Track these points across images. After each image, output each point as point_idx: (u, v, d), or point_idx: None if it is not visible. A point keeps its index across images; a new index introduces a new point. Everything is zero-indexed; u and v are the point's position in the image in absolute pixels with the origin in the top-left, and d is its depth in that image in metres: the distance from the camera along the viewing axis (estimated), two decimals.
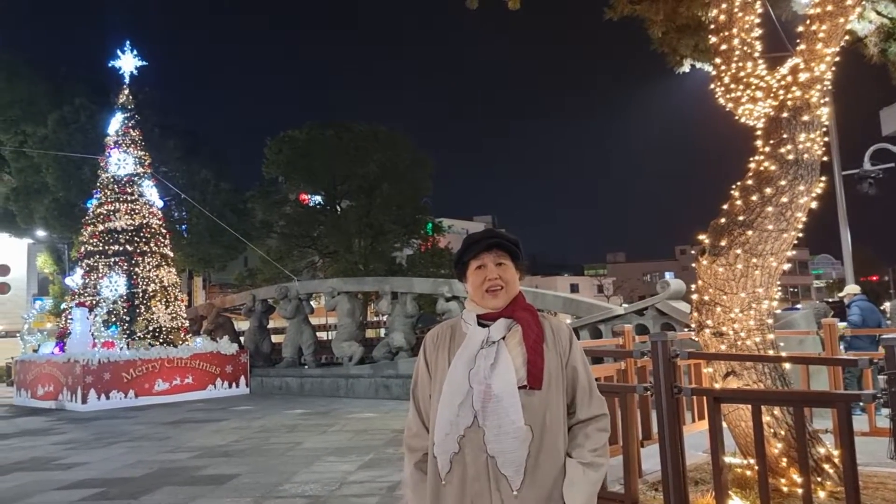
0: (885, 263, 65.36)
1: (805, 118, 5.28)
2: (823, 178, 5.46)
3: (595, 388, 2.24)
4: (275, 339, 20.08)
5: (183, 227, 28.66)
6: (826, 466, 4.95)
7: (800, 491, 4.37)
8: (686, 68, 8.60)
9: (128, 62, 19.58)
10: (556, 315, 17.09)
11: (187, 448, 9.22)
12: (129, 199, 18.45)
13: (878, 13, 7.28)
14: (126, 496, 6.44)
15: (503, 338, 2.15)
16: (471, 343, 2.17)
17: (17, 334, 21.91)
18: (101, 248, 17.95)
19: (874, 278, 62.75)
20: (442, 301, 14.82)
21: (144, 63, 19.69)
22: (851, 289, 10.40)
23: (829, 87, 5.58)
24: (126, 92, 19.32)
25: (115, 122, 19.17)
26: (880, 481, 5.11)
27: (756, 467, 4.94)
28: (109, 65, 19.69)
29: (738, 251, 5.22)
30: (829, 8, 5.13)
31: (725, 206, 5.46)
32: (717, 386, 5.20)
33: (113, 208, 18.27)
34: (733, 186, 5.51)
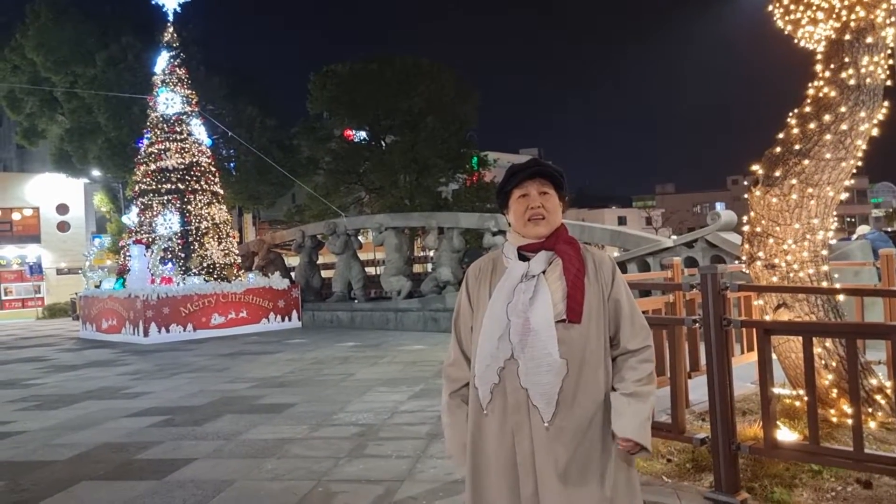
0: None
1: (869, 40, 5.03)
2: (886, 104, 5.23)
3: (639, 318, 2.23)
4: (324, 274, 20.50)
5: (231, 164, 29.06)
6: (878, 398, 4.92)
7: (849, 421, 4.37)
8: None
9: None
10: (604, 248, 17.00)
11: (245, 379, 9.61)
12: (178, 138, 18.73)
13: None
14: (191, 423, 6.79)
15: (543, 272, 2.15)
16: (510, 277, 2.18)
17: (80, 271, 22.82)
18: (154, 187, 18.39)
19: None
20: (488, 235, 14.85)
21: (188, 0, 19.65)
22: (862, 229, 10.42)
23: None
24: (171, 30, 19.39)
25: (162, 61, 19.32)
26: None
27: (805, 398, 4.95)
28: (153, 2, 19.72)
29: (794, 181, 5.09)
30: None
31: (781, 135, 5.30)
32: (768, 318, 5.17)
33: (163, 147, 18.60)
34: (790, 114, 5.32)
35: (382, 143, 31.33)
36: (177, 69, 19.18)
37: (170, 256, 17.76)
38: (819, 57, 5.36)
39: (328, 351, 12.37)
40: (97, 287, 19.02)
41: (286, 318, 18.10)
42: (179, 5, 19.52)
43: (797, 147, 5.12)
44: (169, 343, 15.39)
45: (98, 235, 33.31)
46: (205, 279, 17.64)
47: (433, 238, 16.18)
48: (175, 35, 19.41)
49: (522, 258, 2.20)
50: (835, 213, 5.34)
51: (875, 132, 5.18)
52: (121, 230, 26.65)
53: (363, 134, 32.70)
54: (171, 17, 19.46)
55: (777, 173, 5.17)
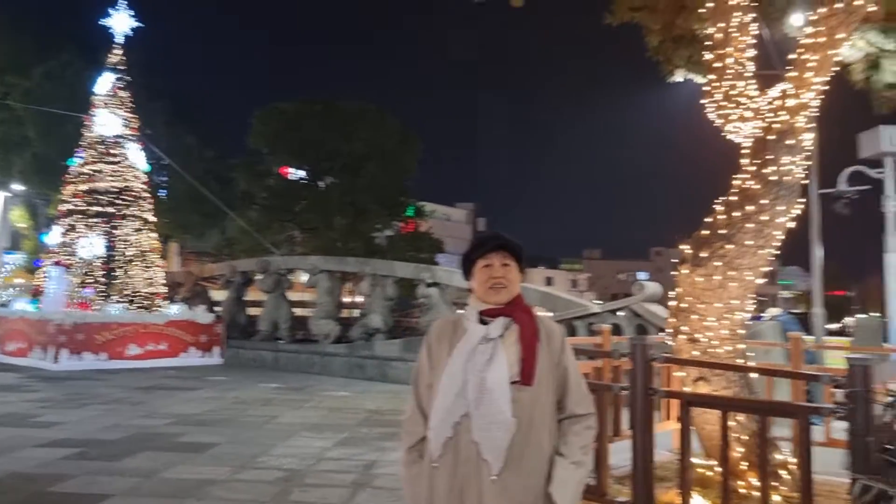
0: (850, 280, 66.76)
1: (790, 142, 5.53)
2: (802, 200, 5.72)
3: (584, 385, 2.42)
4: (251, 311, 20.15)
5: (161, 191, 28.43)
6: (782, 472, 5.25)
7: (756, 494, 4.66)
8: (679, 78, 8.82)
9: (120, 22, 19.34)
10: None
11: (163, 414, 9.33)
12: (113, 160, 18.34)
13: (867, 42, 7.55)
14: (106, 458, 6.57)
15: (501, 336, 2.32)
16: (471, 338, 2.33)
17: None
18: (81, 208, 17.86)
19: (839, 293, 64.02)
20: (423, 286, 15.00)
21: (139, 24, 19.46)
22: (772, 311, 11.26)
23: (815, 114, 5.84)
24: (117, 52, 19.12)
25: (104, 82, 18.98)
26: (831, 490, 5.41)
27: (718, 468, 5.23)
28: (100, 23, 19.46)
29: (718, 263, 5.47)
30: (822, 40, 5.37)
31: (709, 219, 5.70)
32: (688, 389, 5.47)
33: (97, 169, 18.18)
34: (717, 200, 5.75)
35: (321, 183, 31.35)
36: (119, 91, 18.89)
37: (90, 281, 17.16)
38: (745, 151, 5.84)
39: (250, 391, 12.13)
40: (4, 306, 18.15)
41: (207, 354, 17.62)
42: (131, 29, 19.31)
43: (722, 232, 5.53)
44: (80, 371, 14.74)
45: (11, 251, 31.78)
46: (125, 307, 17.09)
47: (367, 284, 16.22)
48: (122, 58, 19.14)
49: (482, 322, 2.37)
50: (752, 295, 5.75)
51: (791, 225, 5.65)
52: (37, 249, 25.57)
53: (301, 173, 32.66)
54: (119, 40, 19.21)
55: (703, 254, 5.55)
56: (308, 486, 5.74)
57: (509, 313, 2.37)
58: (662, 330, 10.00)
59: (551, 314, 13.20)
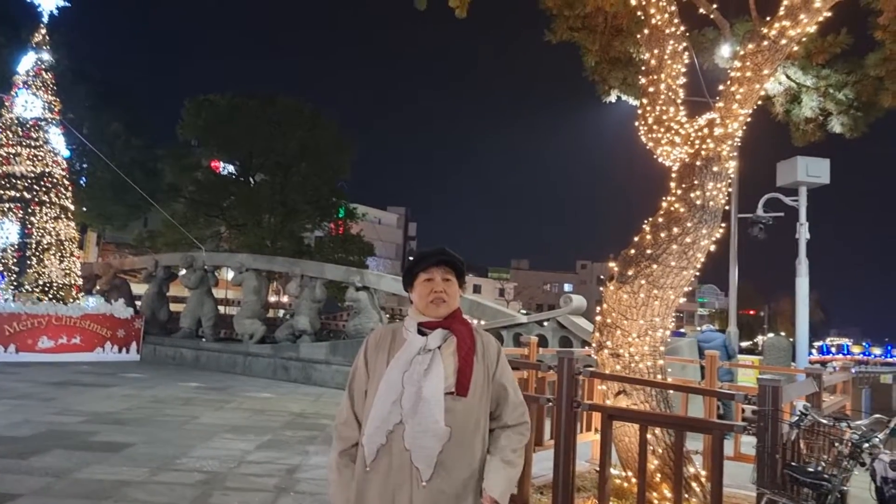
0: (762, 300, 70.00)
1: (715, 169, 5.80)
2: (723, 225, 6.01)
3: (519, 397, 2.52)
4: (173, 307, 19.57)
5: (82, 179, 27.27)
6: (693, 485, 5.49)
7: None
8: (613, 98, 9.11)
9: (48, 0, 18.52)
10: None
11: (76, 412, 8.98)
12: (32, 144, 17.51)
13: (788, 77, 8.00)
14: (14, 455, 6.28)
15: (439, 347, 2.39)
16: (409, 348, 2.39)
17: None
18: None
19: (751, 312, 67.06)
20: (352, 290, 14.90)
21: (67, 3, 18.68)
22: (704, 327, 11.94)
23: (739, 143, 6.15)
24: (43, 31, 18.31)
25: (27, 61, 18.12)
26: (737, 502, 5.70)
27: (633, 479, 5.42)
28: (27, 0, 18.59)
29: (643, 282, 5.68)
30: (749, 74, 5.67)
31: (636, 239, 5.92)
32: (609, 402, 5.66)
33: (14, 151, 17.31)
34: (645, 221, 5.97)
35: (251, 179, 30.76)
36: (43, 72, 18.07)
37: (1, 269, 16.34)
38: (673, 175, 6.09)
39: (169, 390, 11.78)
40: None
41: (124, 350, 17.00)
42: (57, 8, 18.52)
43: (649, 252, 5.75)
44: None
45: None
46: (37, 298, 16.32)
47: (295, 285, 16.00)
48: (46, 37, 18.33)
49: (421, 333, 2.42)
50: (674, 314, 5.99)
51: (712, 248, 5.93)
52: None
53: (231, 168, 31.97)
54: (45, 18, 18.40)
55: (630, 272, 5.75)
56: (229, 489, 5.64)
57: (448, 326, 2.43)
58: (586, 342, 10.29)
59: (478, 322, 13.36)
